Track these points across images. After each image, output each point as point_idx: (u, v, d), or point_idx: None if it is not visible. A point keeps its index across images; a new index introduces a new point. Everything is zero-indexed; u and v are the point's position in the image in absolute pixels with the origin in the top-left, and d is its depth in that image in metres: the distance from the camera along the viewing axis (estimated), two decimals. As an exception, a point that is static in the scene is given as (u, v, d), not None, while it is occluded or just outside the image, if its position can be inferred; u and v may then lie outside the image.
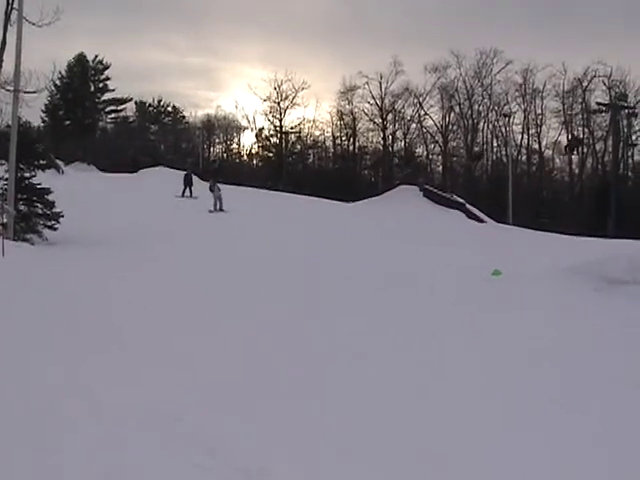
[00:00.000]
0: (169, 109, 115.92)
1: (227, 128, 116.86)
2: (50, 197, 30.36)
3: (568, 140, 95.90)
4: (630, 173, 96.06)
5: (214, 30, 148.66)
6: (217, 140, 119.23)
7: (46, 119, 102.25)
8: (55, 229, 29.87)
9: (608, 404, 9.03)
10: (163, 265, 23.26)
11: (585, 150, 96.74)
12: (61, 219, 29.79)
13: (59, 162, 65.15)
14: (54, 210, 30.07)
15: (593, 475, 6.75)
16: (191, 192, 50.03)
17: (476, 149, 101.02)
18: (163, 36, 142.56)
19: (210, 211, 41.98)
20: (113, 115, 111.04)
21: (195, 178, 54.41)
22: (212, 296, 17.03)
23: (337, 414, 8.24)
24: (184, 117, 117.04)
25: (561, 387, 9.80)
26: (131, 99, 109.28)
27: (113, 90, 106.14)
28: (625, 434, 7.86)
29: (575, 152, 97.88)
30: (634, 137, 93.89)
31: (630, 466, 6.99)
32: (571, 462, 7.00)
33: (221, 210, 41.86)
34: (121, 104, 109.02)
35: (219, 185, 42.60)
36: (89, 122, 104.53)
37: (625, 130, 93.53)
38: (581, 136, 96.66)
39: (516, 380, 10.08)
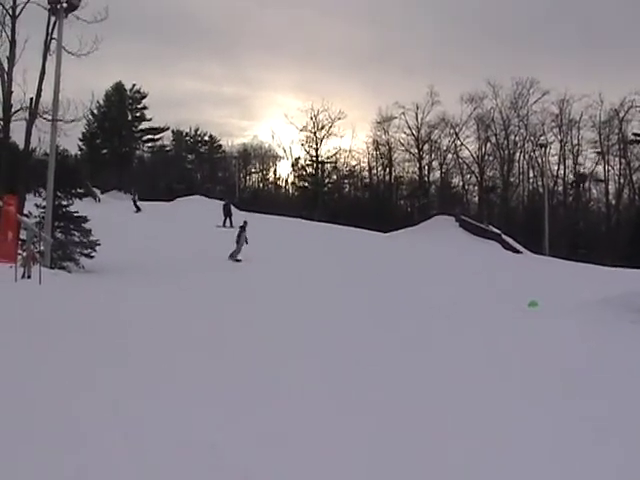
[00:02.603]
0: (206, 138, 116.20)
1: (263, 157, 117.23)
2: (87, 225, 30.64)
3: (574, 176, 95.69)
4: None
5: (247, 59, 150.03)
6: (253, 170, 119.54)
7: (83, 147, 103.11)
8: (92, 257, 30.00)
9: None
10: (198, 298, 22.92)
11: (622, 181, 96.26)
12: (98, 247, 30.03)
13: (96, 190, 65.90)
14: (91, 238, 30.30)
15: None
16: (231, 222, 50.25)
17: (512, 179, 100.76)
18: (197, 65, 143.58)
19: (237, 260, 36.48)
20: (150, 144, 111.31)
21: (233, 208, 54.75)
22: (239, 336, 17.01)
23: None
24: (220, 146, 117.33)
25: (603, 413, 9.92)
26: (168, 128, 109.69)
27: (150, 119, 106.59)
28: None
29: (582, 187, 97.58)
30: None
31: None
32: None
33: (234, 258, 36.56)
34: (158, 133, 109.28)
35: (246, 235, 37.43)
36: (126, 150, 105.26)
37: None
38: (617, 166, 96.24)
39: (557, 410, 10.20)
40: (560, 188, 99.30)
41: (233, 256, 35.93)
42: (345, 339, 15.46)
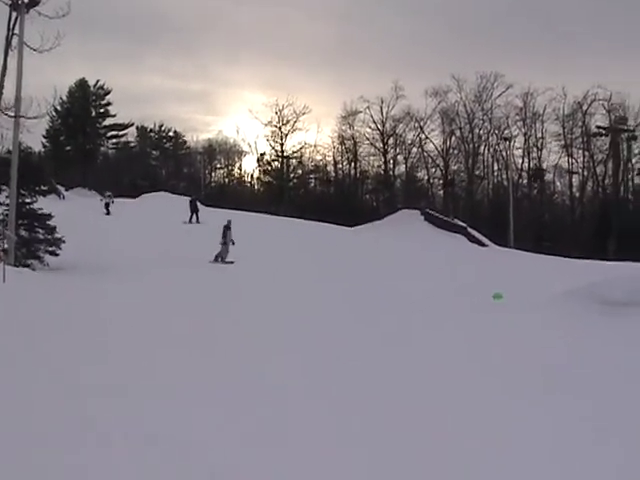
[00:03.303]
0: (170, 134, 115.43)
1: (228, 153, 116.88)
2: (51, 222, 30.32)
3: (531, 169, 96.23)
4: (630, 196, 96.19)
5: (211, 55, 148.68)
6: (218, 165, 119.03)
7: (47, 144, 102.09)
8: (57, 255, 29.67)
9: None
10: (165, 295, 22.74)
11: (585, 174, 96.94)
12: (62, 245, 29.72)
13: (60, 187, 65.24)
14: (55, 236, 29.94)
15: None
16: (197, 218, 50.09)
17: (477, 172, 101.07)
18: (162, 61, 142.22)
19: (226, 262, 34.91)
20: (114, 140, 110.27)
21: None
22: (210, 328, 16.91)
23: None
24: (185, 142, 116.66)
25: (576, 406, 9.98)
26: (132, 124, 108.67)
27: (114, 115, 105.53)
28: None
29: (539, 181, 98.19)
30: (634, 160, 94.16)
31: None
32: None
33: (222, 260, 34.98)
34: (122, 129, 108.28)
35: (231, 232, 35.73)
36: (90, 147, 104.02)
37: (625, 153, 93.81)
38: (581, 159, 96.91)
39: (536, 403, 10.27)
40: (525, 181, 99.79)
41: (220, 258, 34.64)
42: (323, 334, 15.47)
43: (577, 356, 13.96)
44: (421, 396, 10.42)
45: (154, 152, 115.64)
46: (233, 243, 35.16)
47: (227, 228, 35.68)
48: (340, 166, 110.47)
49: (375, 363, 12.59)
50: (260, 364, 11.99)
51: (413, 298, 23.29)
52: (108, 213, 51.91)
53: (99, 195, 65.35)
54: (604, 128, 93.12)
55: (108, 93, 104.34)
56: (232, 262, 34.03)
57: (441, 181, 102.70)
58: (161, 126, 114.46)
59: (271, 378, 11.01)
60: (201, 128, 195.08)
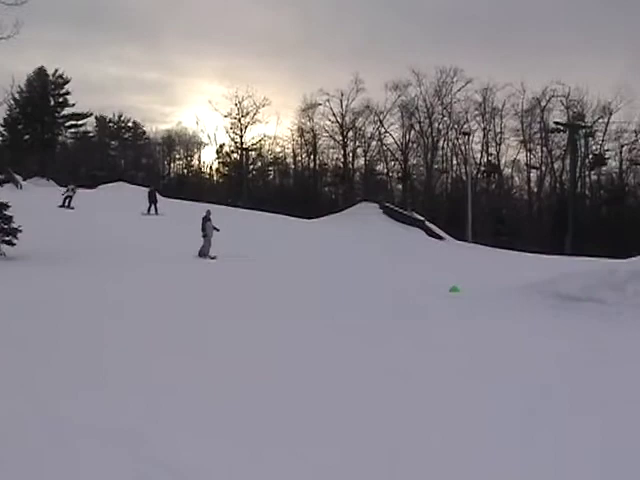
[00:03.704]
0: (129, 124, 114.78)
1: (187, 144, 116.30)
2: (8, 212, 29.88)
3: (484, 165, 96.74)
4: (587, 192, 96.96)
5: (171, 45, 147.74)
6: (177, 156, 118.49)
7: (5, 133, 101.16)
8: (13, 244, 29.29)
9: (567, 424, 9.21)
10: (123, 283, 22.63)
11: (543, 169, 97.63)
12: (19, 234, 29.30)
13: (18, 177, 64.53)
14: (12, 225, 29.52)
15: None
16: (156, 209, 49.67)
17: (436, 166, 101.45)
18: (121, 50, 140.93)
19: (210, 257, 32.93)
20: (73, 130, 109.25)
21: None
22: (164, 314, 16.81)
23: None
24: (144, 132, 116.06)
25: (521, 400, 9.96)
26: (91, 114, 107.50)
27: (73, 105, 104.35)
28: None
29: (495, 176, 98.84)
30: (591, 156, 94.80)
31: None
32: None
33: (205, 255, 32.99)
34: (81, 119, 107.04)
35: (211, 223, 33.74)
36: (49, 137, 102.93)
37: (582, 149, 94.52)
38: (539, 154, 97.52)
39: (477, 392, 10.23)
40: (491, 175, 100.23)
41: (203, 253, 32.65)
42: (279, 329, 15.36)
43: (522, 347, 13.98)
44: (372, 385, 10.35)
45: (113, 142, 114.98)
46: (218, 230, 33.59)
47: (205, 219, 33.89)
48: (299, 158, 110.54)
49: (333, 356, 12.47)
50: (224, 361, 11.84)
51: (369, 291, 23.22)
52: (69, 206, 50.10)
53: (58, 185, 64.73)
54: (562, 124, 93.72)
55: (67, 82, 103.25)
56: (214, 257, 32.34)
57: (400, 175, 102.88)
58: (120, 116, 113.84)
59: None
60: (160, 119, 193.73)
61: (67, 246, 31.80)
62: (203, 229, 33.24)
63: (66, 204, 48.81)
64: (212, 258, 32.13)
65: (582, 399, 10.17)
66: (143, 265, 27.37)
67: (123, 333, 13.40)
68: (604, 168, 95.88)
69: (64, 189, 52.09)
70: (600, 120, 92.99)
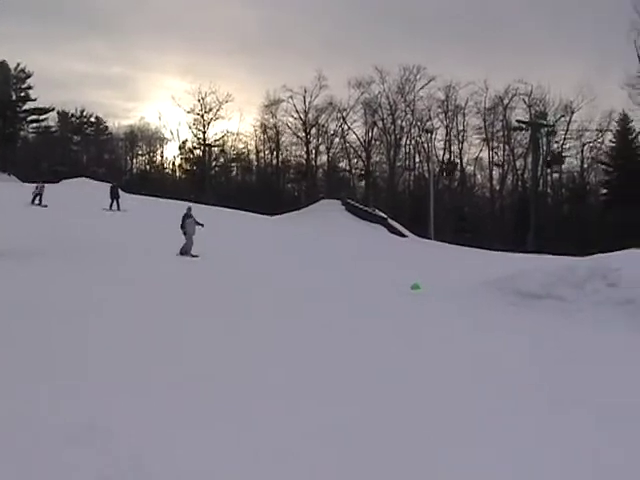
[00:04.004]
0: (92, 120, 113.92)
1: (150, 140, 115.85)
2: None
3: (444, 163, 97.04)
4: (549, 190, 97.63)
5: (134, 40, 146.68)
6: (140, 152, 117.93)
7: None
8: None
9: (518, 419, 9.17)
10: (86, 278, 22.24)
11: (506, 167, 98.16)
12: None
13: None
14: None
15: None
16: (118, 205, 49.24)
17: (398, 164, 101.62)
18: (83, 45, 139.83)
19: (192, 255, 31.22)
20: (35, 125, 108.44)
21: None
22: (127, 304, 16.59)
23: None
24: (107, 128, 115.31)
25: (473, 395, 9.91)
26: (53, 109, 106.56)
27: (35, 99, 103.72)
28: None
29: (457, 173, 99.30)
30: (548, 154, 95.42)
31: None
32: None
33: (187, 254, 31.31)
34: (43, 114, 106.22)
35: (194, 219, 32.22)
36: (10, 131, 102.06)
37: (544, 148, 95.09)
38: (501, 152, 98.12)
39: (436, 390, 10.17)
40: (450, 173, 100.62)
41: (185, 251, 30.86)
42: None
43: (482, 344, 14.00)
44: (331, 378, 10.27)
45: (75, 137, 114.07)
46: (202, 225, 32.05)
47: (186, 216, 32.15)
48: (262, 155, 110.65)
49: (301, 352, 12.39)
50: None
51: (331, 288, 23.12)
52: (40, 204, 49.03)
53: (20, 181, 63.96)
54: (524, 122, 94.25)
55: (29, 76, 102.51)
56: (196, 256, 30.56)
57: (362, 172, 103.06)
58: (82, 111, 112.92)
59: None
60: (123, 114, 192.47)
61: (42, 243, 31.06)
62: (182, 226, 31.79)
63: (37, 202, 48.03)
64: (193, 256, 30.60)
65: (551, 396, 10.20)
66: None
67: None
68: (564, 166, 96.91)
69: (32, 186, 50.99)
70: (562, 119, 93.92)
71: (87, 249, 28.71)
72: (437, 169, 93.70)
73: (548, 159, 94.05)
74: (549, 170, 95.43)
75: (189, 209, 32.79)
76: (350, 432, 7.96)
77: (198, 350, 12.02)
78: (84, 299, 16.39)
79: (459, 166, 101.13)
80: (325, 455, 7.18)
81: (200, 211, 41.88)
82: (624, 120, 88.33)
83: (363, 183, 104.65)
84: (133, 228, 36.02)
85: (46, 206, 46.56)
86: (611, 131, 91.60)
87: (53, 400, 8.50)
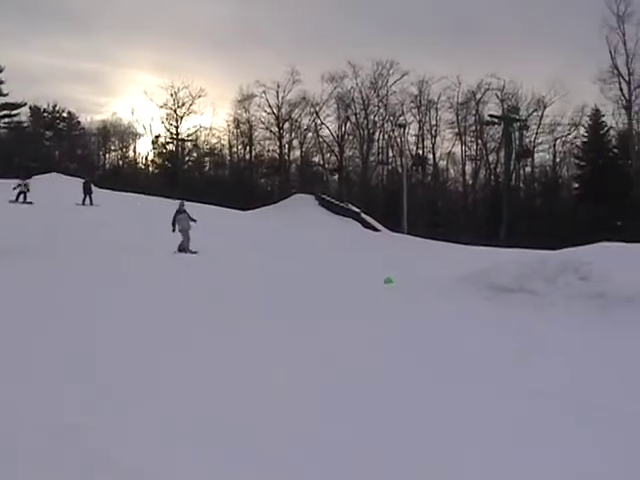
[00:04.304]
0: (64, 115, 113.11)
1: (123, 135, 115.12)
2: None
3: (413, 157, 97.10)
4: (521, 184, 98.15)
5: (106, 35, 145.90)
6: (113, 147, 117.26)
7: None
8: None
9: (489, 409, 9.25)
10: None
11: (478, 162, 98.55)
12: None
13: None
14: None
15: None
16: (91, 200, 48.99)
17: (372, 158, 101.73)
18: (55, 40, 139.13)
19: (190, 252, 30.60)
20: (6, 120, 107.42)
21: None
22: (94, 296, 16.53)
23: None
24: (79, 123, 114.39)
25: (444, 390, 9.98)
26: (25, 104, 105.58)
27: (6, 95, 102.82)
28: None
29: (419, 169, 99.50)
30: (518, 148, 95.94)
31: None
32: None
33: (185, 250, 30.77)
34: (15, 109, 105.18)
35: (187, 214, 31.66)
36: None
37: (517, 142, 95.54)
38: (474, 147, 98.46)
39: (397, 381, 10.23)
40: (419, 168, 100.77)
41: (183, 248, 30.38)
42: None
43: (458, 338, 14.07)
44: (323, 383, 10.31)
45: (47, 133, 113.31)
46: (195, 221, 31.62)
47: (178, 212, 31.49)
48: (235, 150, 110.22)
49: (269, 350, 12.39)
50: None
51: (306, 282, 23.14)
52: (25, 201, 48.42)
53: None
54: (497, 117, 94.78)
55: (0, 71, 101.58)
56: (195, 252, 30.18)
57: (335, 166, 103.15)
58: (55, 106, 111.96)
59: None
60: (95, 109, 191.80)
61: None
62: (174, 222, 31.22)
63: (21, 199, 47.52)
64: (192, 252, 30.18)
65: (507, 385, 10.35)
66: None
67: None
68: (537, 161, 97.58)
69: (14, 183, 50.25)
70: (534, 113, 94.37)
71: (79, 247, 28.46)
72: (410, 163, 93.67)
73: (517, 152, 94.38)
74: (520, 164, 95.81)
75: (182, 204, 32.29)
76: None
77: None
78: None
79: (432, 160, 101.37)
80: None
81: (174, 207, 41.62)
82: (596, 115, 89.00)
83: (336, 178, 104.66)
84: (118, 225, 35.80)
85: (31, 203, 46.26)
86: (583, 126, 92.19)
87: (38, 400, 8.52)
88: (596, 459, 7.50)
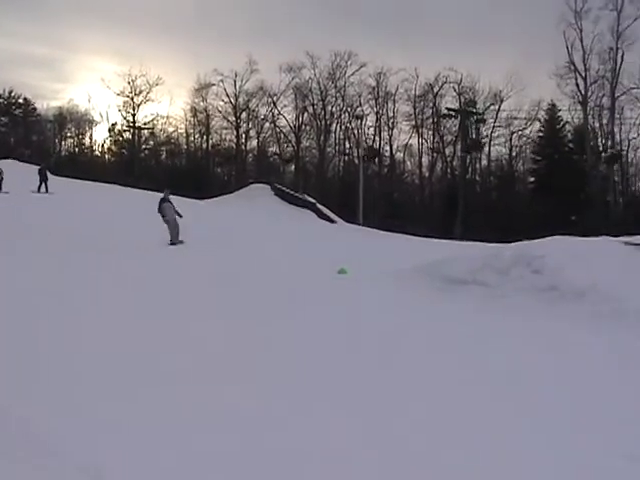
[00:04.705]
0: (20, 101, 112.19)
1: (79, 122, 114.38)
2: None
3: (365, 150, 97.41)
4: (477, 177, 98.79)
5: (62, 21, 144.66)
6: (69, 134, 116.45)
7: None
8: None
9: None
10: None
11: (435, 154, 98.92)
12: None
13: None
14: None
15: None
16: (47, 187, 48.49)
17: (329, 149, 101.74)
18: (10, 24, 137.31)
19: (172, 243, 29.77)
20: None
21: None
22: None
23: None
24: (35, 109, 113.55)
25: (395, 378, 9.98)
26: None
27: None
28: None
29: (373, 161, 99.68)
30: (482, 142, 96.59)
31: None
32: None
33: (174, 243, 29.91)
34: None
35: (172, 205, 30.64)
36: None
37: (473, 135, 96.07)
38: (431, 139, 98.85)
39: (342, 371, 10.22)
40: (375, 160, 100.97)
41: (174, 240, 29.50)
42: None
43: (410, 328, 14.15)
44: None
45: (2, 119, 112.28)
46: (180, 216, 30.23)
47: (162, 200, 30.43)
48: (192, 139, 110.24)
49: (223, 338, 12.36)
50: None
51: (258, 272, 23.06)
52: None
53: None
54: (454, 110, 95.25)
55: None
56: (181, 242, 29.67)
57: (292, 157, 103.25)
58: (11, 92, 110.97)
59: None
60: (51, 95, 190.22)
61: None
62: (159, 210, 30.13)
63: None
64: (180, 242, 29.65)
65: (460, 378, 10.33)
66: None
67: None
68: (493, 154, 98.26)
69: None
70: (491, 107, 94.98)
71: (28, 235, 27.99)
72: (362, 155, 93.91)
73: (468, 144, 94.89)
74: (472, 156, 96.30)
75: (167, 192, 31.40)
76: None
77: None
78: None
79: (389, 152, 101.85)
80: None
81: (131, 196, 41.31)
82: (552, 110, 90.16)
83: (293, 168, 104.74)
84: (75, 214, 35.36)
85: (7, 193, 45.50)
86: (539, 120, 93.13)
87: None
88: (512, 442, 7.68)
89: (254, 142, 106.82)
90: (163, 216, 29.94)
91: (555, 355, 12.28)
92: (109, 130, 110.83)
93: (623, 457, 7.28)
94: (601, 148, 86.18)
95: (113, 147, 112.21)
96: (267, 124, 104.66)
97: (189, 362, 10.21)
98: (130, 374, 9.42)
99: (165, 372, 9.64)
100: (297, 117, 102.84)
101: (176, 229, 29.84)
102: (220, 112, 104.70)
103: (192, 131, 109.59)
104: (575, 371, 11.22)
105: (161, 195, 31.09)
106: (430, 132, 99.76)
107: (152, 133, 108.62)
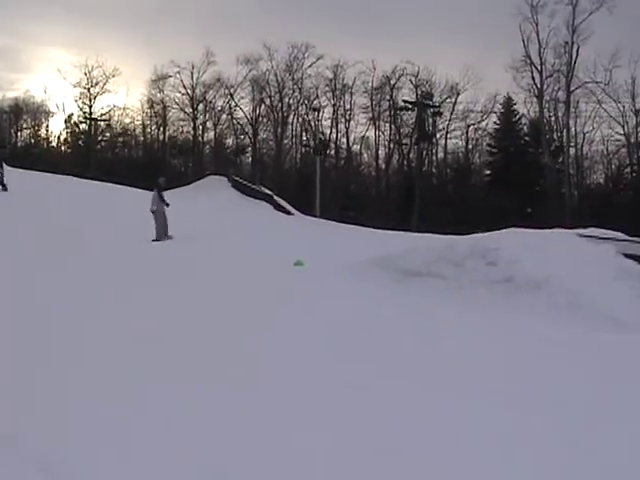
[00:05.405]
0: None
1: (35, 113, 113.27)
2: None
3: (315, 142, 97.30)
4: (434, 170, 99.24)
5: (17, 10, 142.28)
6: (25, 125, 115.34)
7: None
8: None
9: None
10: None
11: (392, 146, 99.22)
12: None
13: None
14: None
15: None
16: (2, 180, 47.46)
17: (286, 141, 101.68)
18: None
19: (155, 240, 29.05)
20: None
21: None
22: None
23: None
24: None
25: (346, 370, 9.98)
26: None
27: None
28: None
29: (322, 154, 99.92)
30: (438, 135, 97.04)
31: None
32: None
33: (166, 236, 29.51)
34: None
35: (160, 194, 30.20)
36: None
37: (430, 128, 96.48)
38: (388, 132, 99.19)
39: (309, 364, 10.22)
40: (332, 152, 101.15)
41: (165, 234, 29.23)
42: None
43: (364, 320, 14.18)
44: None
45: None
46: (167, 205, 30.00)
47: (155, 191, 30.22)
48: (149, 130, 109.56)
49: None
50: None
51: (213, 265, 23.01)
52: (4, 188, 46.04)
53: None
54: (411, 102, 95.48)
55: None
56: (170, 237, 29.34)
57: (250, 149, 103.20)
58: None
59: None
60: (6, 86, 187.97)
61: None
62: (154, 210, 29.70)
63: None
64: (168, 238, 29.31)
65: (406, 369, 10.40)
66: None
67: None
68: (450, 147, 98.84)
69: None
70: (448, 100, 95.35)
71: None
72: (312, 146, 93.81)
73: (419, 135, 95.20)
74: (423, 146, 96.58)
75: (161, 182, 31.59)
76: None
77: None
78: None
79: (346, 144, 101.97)
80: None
81: (87, 188, 40.92)
82: (508, 103, 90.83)
83: (249, 160, 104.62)
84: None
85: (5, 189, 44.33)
86: (495, 113, 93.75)
87: None
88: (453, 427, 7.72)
89: (211, 134, 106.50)
90: (156, 216, 29.45)
91: (506, 345, 12.42)
92: (65, 121, 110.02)
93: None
94: (556, 141, 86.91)
95: (69, 138, 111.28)
96: (224, 116, 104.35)
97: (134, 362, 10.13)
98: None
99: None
100: (254, 109, 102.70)
101: (161, 222, 29.36)
102: (177, 104, 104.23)
103: (149, 123, 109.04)
104: (527, 361, 11.35)
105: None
106: (387, 124, 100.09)
107: (108, 125, 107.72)
